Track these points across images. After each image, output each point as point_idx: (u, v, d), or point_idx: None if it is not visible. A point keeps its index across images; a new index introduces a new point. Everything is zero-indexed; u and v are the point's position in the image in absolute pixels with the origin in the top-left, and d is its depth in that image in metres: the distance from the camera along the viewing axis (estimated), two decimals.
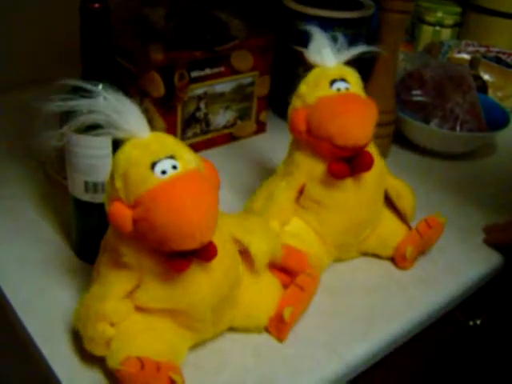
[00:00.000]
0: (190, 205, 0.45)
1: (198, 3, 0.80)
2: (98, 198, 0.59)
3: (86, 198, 0.60)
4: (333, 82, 0.61)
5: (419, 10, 1.15)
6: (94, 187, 0.59)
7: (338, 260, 0.68)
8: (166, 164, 0.46)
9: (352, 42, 0.86)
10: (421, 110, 0.89)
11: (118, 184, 0.47)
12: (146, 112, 0.49)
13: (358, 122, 0.59)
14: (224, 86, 0.84)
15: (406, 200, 0.69)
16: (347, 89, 0.61)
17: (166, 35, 0.78)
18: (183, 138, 0.84)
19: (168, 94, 0.79)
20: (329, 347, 0.57)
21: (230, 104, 0.87)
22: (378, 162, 0.65)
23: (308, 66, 0.63)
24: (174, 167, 0.46)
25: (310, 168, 0.62)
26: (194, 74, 0.80)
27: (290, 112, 0.63)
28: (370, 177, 0.63)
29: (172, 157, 0.47)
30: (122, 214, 0.46)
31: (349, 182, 0.62)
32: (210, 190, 0.47)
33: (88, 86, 0.47)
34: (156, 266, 0.48)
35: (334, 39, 0.63)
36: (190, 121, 0.84)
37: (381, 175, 0.66)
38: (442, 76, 0.90)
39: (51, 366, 0.52)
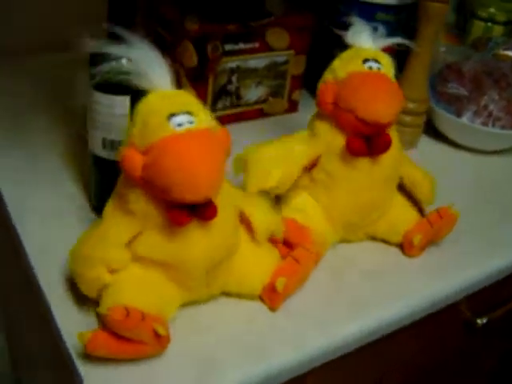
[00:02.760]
0: (199, 158, 0.47)
1: None
2: (115, 156, 0.61)
3: (104, 154, 0.62)
4: (366, 60, 0.62)
5: (472, 4, 1.12)
6: (111, 144, 0.61)
7: (344, 241, 0.68)
8: (183, 118, 0.48)
9: (393, 28, 0.86)
10: (455, 103, 0.87)
11: (135, 130, 0.49)
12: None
13: (383, 99, 0.59)
14: (257, 61, 0.85)
15: (421, 188, 0.68)
16: (379, 69, 0.62)
17: (204, 7, 0.80)
18: (213, 110, 0.86)
19: (200, 64, 0.80)
20: (319, 324, 0.58)
21: (262, 80, 0.87)
22: (396, 149, 0.65)
23: (345, 49, 0.64)
24: (190, 122, 0.48)
25: (330, 140, 0.62)
26: (228, 47, 0.81)
27: (320, 84, 0.64)
28: (385, 161, 0.63)
29: (190, 113, 0.49)
30: (133, 158, 0.48)
31: (364, 162, 0.62)
32: (219, 151, 0.49)
33: (123, 33, 0.49)
34: (159, 217, 0.50)
35: (374, 29, 0.64)
36: (221, 93, 0.85)
37: (397, 161, 0.65)
38: (481, 70, 0.88)
39: (50, 305, 0.55)
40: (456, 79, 0.89)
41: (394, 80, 0.63)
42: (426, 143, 0.90)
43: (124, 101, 0.59)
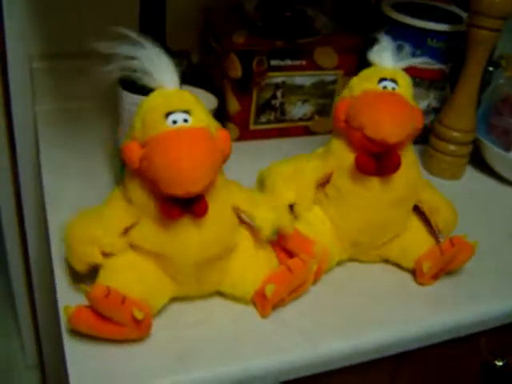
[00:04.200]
0: (186, 154, 0.49)
1: None
2: None
3: None
4: (382, 79, 0.62)
5: None
6: None
7: (356, 260, 0.68)
8: (178, 116, 0.51)
9: (445, 55, 0.85)
10: (504, 137, 0.84)
11: (137, 125, 0.53)
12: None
13: (392, 118, 0.59)
14: (304, 79, 0.87)
15: (439, 215, 0.67)
16: (394, 89, 0.62)
17: (254, 22, 0.83)
18: (256, 122, 0.88)
19: (245, 77, 0.83)
20: (307, 336, 0.58)
21: (308, 98, 0.89)
22: (411, 171, 0.64)
23: None
24: (185, 120, 0.51)
25: (342, 157, 0.63)
26: (274, 62, 0.84)
27: (336, 100, 0.65)
28: (397, 182, 0.62)
29: (187, 111, 0.52)
30: (132, 150, 0.52)
31: (375, 182, 0.62)
32: (211, 150, 0.51)
33: (132, 35, 0.52)
34: (154, 208, 0.53)
35: (400, 48, 0.64)
36: (265, 107, 0.87)
37: (411, 184, 0.64)
38: None
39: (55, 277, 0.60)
40: (509, 113, 0.86)
41: (411, 101, 0.62)
42: (472, 174, 0.88)
43: None
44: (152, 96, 0.53)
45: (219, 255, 0.57)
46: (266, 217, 0.59)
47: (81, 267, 0.56)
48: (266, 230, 0.59)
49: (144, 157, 0.51)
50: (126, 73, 0.53)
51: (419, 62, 0.66)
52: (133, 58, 0.52)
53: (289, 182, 0.65)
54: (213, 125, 0.54)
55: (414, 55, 0.64)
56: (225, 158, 0.54)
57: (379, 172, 0.61)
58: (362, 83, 0.62)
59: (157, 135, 0.51)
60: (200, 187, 0.50)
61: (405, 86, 0.62)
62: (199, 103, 0.54)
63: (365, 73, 0.64)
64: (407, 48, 0.64)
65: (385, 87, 0.61)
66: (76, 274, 0.59)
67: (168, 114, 0.51)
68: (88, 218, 0.57)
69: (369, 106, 0.60)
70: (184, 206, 0.52)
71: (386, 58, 0.63)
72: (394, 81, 0.61)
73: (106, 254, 0.56)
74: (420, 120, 0.62)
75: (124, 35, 0.53)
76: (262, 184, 0.68)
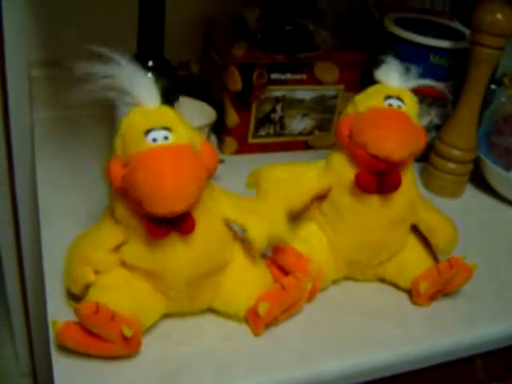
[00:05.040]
0: (168, 173, 0.48)
1: (289, 10, 0.83)
2: None
3: None
4: (388, 97, 0.61)
5: None
6: None
7: (351, 279, 0.67)
8: (158, 133, 0.50)
9: (447, 71, 0.85)
10: (505, 156, 0.83)
11: (118, 143, 0.52)
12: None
13: (395, 136, 0.58)
14: (304, 93, 0.86)
15: (438, 236, 0.66)
16: (399, 107, 0.61)
17: (255, 35, 0.83)
18: (255, 136, 0.87)
19: (245, 90, 0.83)
20: (300, 355, 0.57)
21: (308, 112, 0.88)
22: (411, 191, 0.63)
23: None
24: (166, 138, 0.50)
25: (341, 172, 0.62)
26: (274, 75, 0.83)
27: (340, 116, 0.64)
28: (397, 200, 0.62)
29: (167, 128, 0.51)
30: (114, 169, 0.50)
31: (374, 200, 0.61)
32: (194, 167, 0.50)
33: (108, 53, 0.52)
34: (139, 226, 0.52)
35: (407, 69, 0.63)
36: (264, 120, 0.87)
37: (410, 203, 0.63)
38: None
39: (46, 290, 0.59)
40: (511, 132, 0.85)
41: (415, 120, 0.62)
42: (472, 192, 0.87)
43: None
44: (131, 113, 0.52)
45: (210, 271, 0.56)
46: (259, 227, 0.57)
47: (75, 289, 0.56)
48: (258, 241, 0.57)
49: (126, 176, 0.50)
50: (104, 92, 0.52)
51: (426, 84, 0.65)
52: (110, 77, 0.51)
53: (286, 185, 0.64)
54: (197, 140, 0.52)
55: (437, 85, 0.63)
56: (210, 173, 0.53)
57: (380, 190, 0.60)
58: (368, 100, 0.61)
59: (137, 153, 0.49)
60: (184, 205, 0.49)
61: (411, 106, 0.61)
62: (181, 120, 0.52)
63: (371, 89, 0.63)
64: (414, 70, 0.63)
65: (390, 105, 0.60)
66: (67, 289, 0.58)
67: (147, 132, 0.50)
68: (82, 240, 0.56)
69: (373, 123, 0.59)
70: (170, 223, 0.51)
71: (393, 77, 0.62)
72: (399, 99, 0.61)
73: (98, 273, 0.55)
74: (423, 140, 0.61)
75: (101, 53, 0.52)
76: (256, 185, 0.67)
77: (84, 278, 0.55)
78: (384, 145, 0.58)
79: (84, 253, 0.55)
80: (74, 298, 0.57)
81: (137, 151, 0.50)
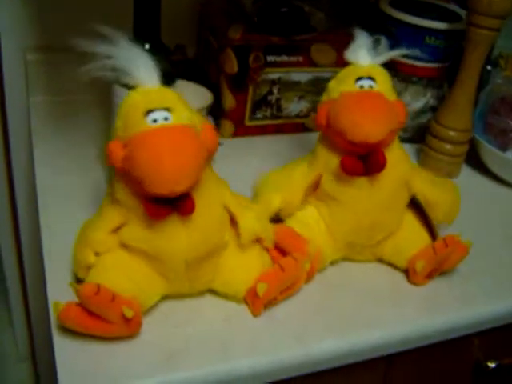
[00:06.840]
0: (168, 153, 0.48)
1: None
2: None
3: None
4: (359, 79, 0.61)
5: None
6: None
7: (349, 259, 0.67)
8: (159, 114, 0.50)
9: (443, 53, 0.85)
10: (501, 137, 0.84)
11: (119, 123, 0.52)
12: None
13: (369, 118, 0.58)
14: (301, 75, 0.86)
15: (436, 209, 0.66)
16: (371, 87, 0.61)
17: (250, 17, 0.82)
18: (252, 118, 0.87)
19: (241, 72, 0.83)
20: (298, 335, 0.57)
21: (304, 94, 0.88)
22: (400, 169, 0.64)
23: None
24: (166, 118, 0.50)
25: (327, 160, 0.63)
26: (270, 58, 0.83)
27: (318, 105, 0.64)
28: (387, 179, 0.62)
29: (167, 109, 0.51)
30: (114, 150, 0.51)
31: (363, 181, 0.62)
32: (194, 147, 0.50)
33: (109, 33, 0.52)
34: (139, 207, 0.53)
35: (377, 42, 0.63)
36: (261, 103, 0.87)
37: (402, 180, 0.64)
38: None
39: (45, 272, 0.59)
40: (507, 113, 0.85)
41: (390, 95, 0.61)
42: (468, 173, 0.87)
43: None
44: (132, 94, 0.52)
45: (210, 252, 0.57)
46: (248, 226, 0.58)
47: (81, 273, 0.56)
48: (243, 238, 0.58)
49: (126, 156, 0.50)
50: (104, 72, 0.52)
51: (397, 54, 0.64)
52: (111, 58, 0.51)
53: (276, 187, 0.65)
54: (197, 121, 0.53)
55: (411, 53, 0.62)
56: (210, 154, 0.53)
57: (366, 172, 0.60)
58: (340, 85, 0.61)
59: (138, 134, 0.50)
60: (184, 186, 0.50)
61: (383, 82, 0.61)
62: (181, 100, 0.53)
63: (341, 73, 0.63)
64: (384, 41, 0.63)
65: (361, 86, 0.60)
66: (67, 271, 0.59)
67: (148, 113, 0.50)
68: (85, 224, 0.57)
69: (346, 109, 0.59)
70: (170, 204, 0.51)
71: (362, 55, 0.62)
72: (370, 78, 0.60)
73: (97, 254, 0.55)
74: (403, 113, 0.61)
75: (102, 34, 0.52)
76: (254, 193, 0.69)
77: (85, 260, 0.55)
78: (359, 130, 0.58)
79: (85, 235, 0.56)
80: (77, 281, 0.57)
81: (137, 131, 0.50)
